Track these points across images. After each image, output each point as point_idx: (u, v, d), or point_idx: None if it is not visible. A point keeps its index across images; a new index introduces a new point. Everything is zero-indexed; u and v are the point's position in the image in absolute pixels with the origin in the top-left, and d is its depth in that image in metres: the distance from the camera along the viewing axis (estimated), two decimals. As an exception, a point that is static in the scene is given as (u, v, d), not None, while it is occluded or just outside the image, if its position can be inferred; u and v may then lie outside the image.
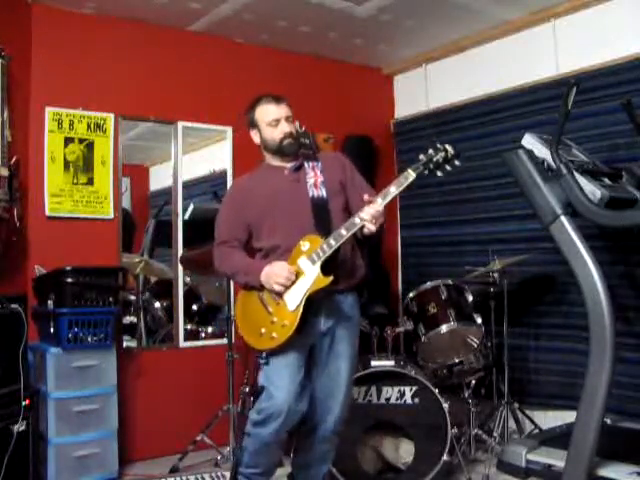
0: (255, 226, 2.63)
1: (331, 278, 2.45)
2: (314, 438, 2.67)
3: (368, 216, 2.39)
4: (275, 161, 2.68)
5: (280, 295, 2.48)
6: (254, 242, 2.66)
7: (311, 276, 2.46)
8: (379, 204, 2.41)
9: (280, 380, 2.49)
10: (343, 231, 2.44)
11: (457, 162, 2.45)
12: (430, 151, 2.45)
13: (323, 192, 2.59)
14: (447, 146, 2.45)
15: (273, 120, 2.61)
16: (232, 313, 3.71)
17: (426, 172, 2.43)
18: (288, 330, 2.45)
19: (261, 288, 2.53)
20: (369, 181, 4.95)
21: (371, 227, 2.42)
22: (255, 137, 2.70)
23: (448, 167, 2.45)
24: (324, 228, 2.53)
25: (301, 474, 2.77)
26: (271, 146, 2.64)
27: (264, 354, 2.50)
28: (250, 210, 2.62)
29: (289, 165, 2.65)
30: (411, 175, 2.41)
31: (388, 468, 3.29)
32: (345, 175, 2.70)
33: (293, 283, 2.47)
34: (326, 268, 2.46)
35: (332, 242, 2.45)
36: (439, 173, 2.45)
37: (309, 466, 2.74)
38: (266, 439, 2.50)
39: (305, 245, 2.50)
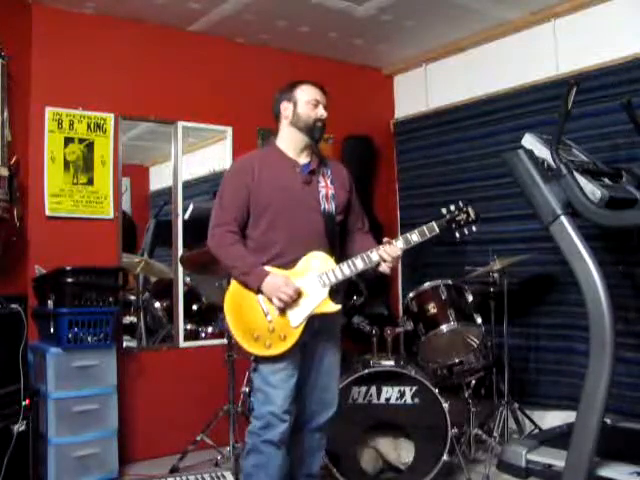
0: (255, 213, 2.53)
1: (339, 307, 2.49)
2: (308, 430, 2.65)
3: (388, 256, 2.44)
4: (290, 147, 2.60)
5: (282, 307, 2.43)
6: (249, 229, 2.56)
7: (318, 298, 2.46)
8: (399, 248, 2.46)
9: (277, 382, 2.46)
10: (359, 263, 2.46)
11: (474, 228, 2.52)
12: (452, 208, 2.51)
13: (332, 207, 2.56)
14: (469, 208, 2.52)
15: (315, 99, 2.57)
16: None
17: (448, 230, 2.50)
18: (287, 344, 2.44)
19: (258, 292, 2.47)
20: (369, 182, 5.00)
21: (387, 269, 2.48)
22: (285, 111, 2.60)
23: (466, 231, 2.52)
24: (334, 246, 2.54)
25: (297, 466, 2.68)
26: (303, 123, 2.56)
27: (252, 357, 2.49)
28: (257, 194, 2.51)
29: (302, 162, 2.59)
30: (435, 229, 2.47)
31: (388, 468, 3.29)
32: (351, 195, 2.69)
33: (298, 298, 2.44)
34: (332, 293, 2.47)
35: (346, 270, 2.46)
36: (457, 235, 2.52)
37: (303, 458, 2.68)
38: (275, 440, 2.45)
39: (315, 261, 2.48)
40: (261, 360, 2.49)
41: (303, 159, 2.60)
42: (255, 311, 2.48)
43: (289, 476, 2.61)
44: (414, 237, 2.48)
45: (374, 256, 2.47)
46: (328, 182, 2.60)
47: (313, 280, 2.47)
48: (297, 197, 2.53)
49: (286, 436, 2.48)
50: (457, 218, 2.50)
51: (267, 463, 2.47)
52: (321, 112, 2.58)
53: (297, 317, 2.45)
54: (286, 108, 2.60)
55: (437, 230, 2.48)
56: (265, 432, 2.46)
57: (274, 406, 2.45)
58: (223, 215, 2.53)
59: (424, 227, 2.48)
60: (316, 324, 2.51)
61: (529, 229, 3.93)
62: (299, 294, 2.44)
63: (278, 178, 2.53)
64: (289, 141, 2.61)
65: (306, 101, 2.57)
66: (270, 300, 2.44)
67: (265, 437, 2.45)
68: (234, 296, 2.53)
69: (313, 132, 2.57)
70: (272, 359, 2.46)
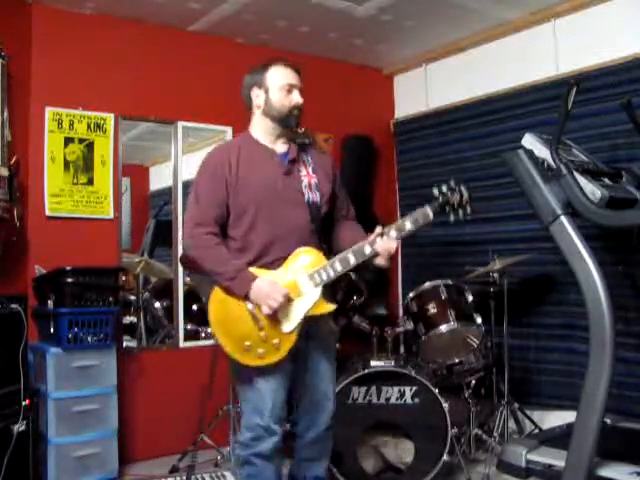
0: (236, 211, 2.36)
1: (334, 306, 2.34)
2: (310, 438, 2.53)
3: (383, 251, 2.29)
4: (266, 136, 2.43)
5: (272, 313, 2.28)
6: (229, 229, 2.39)
7: (311, 299, 2.30)
8: (394, 239, 2.30)
9: (267, 392, 2.33)
10: (352, 258, 2.30)
11: (469, 209, 2.34)
12: (444, 188, 2.33)
13: (317, 197, 2.41)
14: (462, 188, 2.35)
15: (288, 84, 2.38)
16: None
17: (442, 213, 2.33)
18: (282, 352, 2.30)
19: (245, 298, 2.30)
20: (369, 182, 5.00)
21: (383, 263, 2.32)
22: (256, 99, 2.41)
23: (461, 213, 2.34)
24: (321, 240, 2.41)
25: (301, 473, 2.63)
26: (277, 112, 2.38)
27: (235, 367, 2.34)
28: (237, 191, 2.33)
29: (279, 150, 2.43)
30: (429, 216, 2.30)
31: (388, 468, 3.29)
32: (335, 184, 2.52)
33: (290, 301, 2.28)
34: (325, 292, 2.32)
35: (338, 267, 2.29)
36: (452, 217, 2.34)
37: (308, 465, 2.61)
38: (267, 453, 2.34)
39: (304, 259, 2.32)
40: (248, 369, 2.34)
41: (280, 147, 2.44)
42: (244, 320, 2.31)
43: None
44: (407, 225, 2.31)
45: (367, 250, 2.30)
46: (310, 170, 2.44)
47: (304, 280, 2.30)
48: (279, 190, 2.36)
49: (278, 446, 2.36)
50: (451, 200, 2.31)
51: (259, 474, 2.37)
52: (296, 98, 2.38)
53: (290, 322, 2.29)
54: (257, 95, 2.41)
55: (431, 217, 2.30)
56: (256, 444, 2.34)
57: (264, 418, 2.32)
58: (202, 214, 2.33)
59: (417, 213, 2.31)
60: (308, 328, 2.36)
61: (529, 229, 3.93)
62: (290, 297, 2.28)
63: (257, 171, 2.36)
64: (263, 130, 2.44)
65: (279, 87, 2.37)
66: (259, 307, 2.29)
67: (256, 450, 2.34)
68: (219, 306, 2.37)
69: (288, 121, 2.40)
70: (262, 369, 2.32)
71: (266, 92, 2.40)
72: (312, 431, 2.52)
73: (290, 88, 2.39)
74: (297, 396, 2.54)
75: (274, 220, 2.34)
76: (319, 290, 2.31)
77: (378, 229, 2.32)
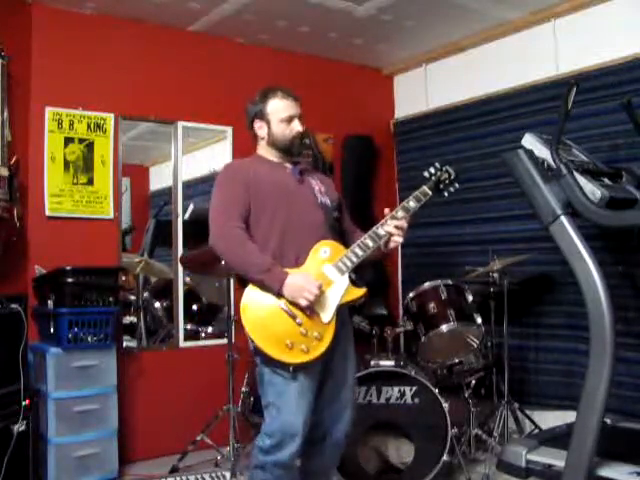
0: (256, 211, 2.44)
1: (365, 290, 2.41)
2: (327, 444, 2.52)
3: (396, 229, 2.41)
4: (274, 157, 2.57)
5: (309, 306, 2.31)
6: (251, 229, 2.44)
7: (341, 286, 2.38)
8: (401, 217, 2.44)
9: (297, 399, 2.33)
10: (369, 241, 2.40)
11: (457, 185, 2.59)
12: (432, 170, 2.54)
13: (328, 201, 2.54)
14: (448, 168, 2.57)
15: (288, 117, 2.51)
16: (232, 313, 3.72)
17: (437, 191, 2.55)
18: (325, 342, 2.32)
19: (278, 295, 2.33)
20: (369, 181, 5.00)
21: (399, 239, 2.44)
22: (260, 130, 2.56)
23: (451, 189, 2.59)
24: (335, 236, 2.50)
25: (313, 477, 2.60)
26: (280, 143, 2.53)
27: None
28: (257, 192, 2.43)
29: (289, 165, 2.56)
30: (428, 192, 2.51)
31: (388, 468, 3.29)
32: (338, 196, 2.67)
33: (322, 292, 2.33)
34: (352, 278, 2.41)
35: (359, 252, 2.39)
36: (445, 194, 2.59)
37: (322, 472, 2.61)
38: (286, 461, 2.32)
39: (325, 251, 2.41)
40: (277, 372, 2.34)
41: (289, 164, 2.58)
42: (281, 318, 2.32)
43: None
44: (412, 204, 2.48)
45: (381, 231, 2.42)
46: (318, 181, 2.61)
47: (330, 270, 2.38)
48: (294, 192, 2.48)
49: (297, 454, 2.36)
50: (442, 178, 2.55)
51: (273, 469, 2.35)
52: (297, 128, 2.52)
53: (327, 312, 2.35)
54: (260, 127, 2.55)
55: (430, 193, 2.51)
56: (277, 452, 2.32)
57: (288, 423, 2.32)
58: (229, 212, 2.40)
59: (417, 193, 2.50)
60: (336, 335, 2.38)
61: (529, 229, 3.93)
62: (321, 289, 2.33)
63: (272, 178, 2.49)
64: (270, 155, 2.58)
65: (279, 119, 2.51)
66: (292, 302, 2.31)
67: (276, 458, 2.32)
68: (252, 311, 2.35)
69: (292, 149, 2.55)
70: (306, 368, 2.33)
71: (268, 125, 2.54)
72: (330, 438, 2.52)
73: (290, 119, 2.52)
74: (318, 402, 2.50)
75: (292, 220, 2.44)
76: (347, 277, 2.40)
77: (387, 211, 2.47)
